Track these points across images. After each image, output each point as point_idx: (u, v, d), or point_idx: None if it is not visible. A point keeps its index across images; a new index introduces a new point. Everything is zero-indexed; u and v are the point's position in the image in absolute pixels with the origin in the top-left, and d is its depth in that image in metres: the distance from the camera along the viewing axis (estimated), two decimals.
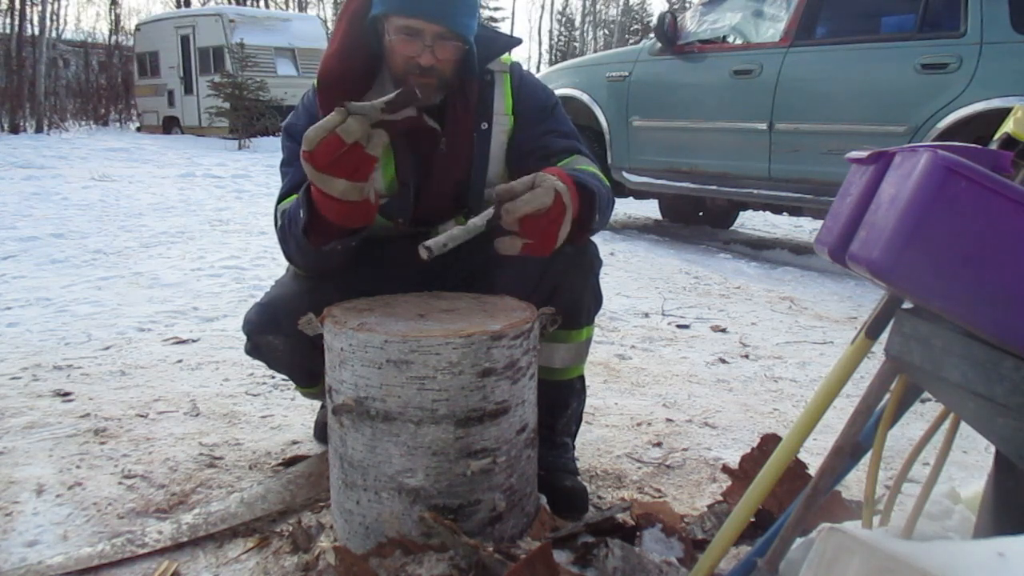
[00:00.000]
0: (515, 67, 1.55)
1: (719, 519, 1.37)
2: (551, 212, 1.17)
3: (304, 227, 1.32)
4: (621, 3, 44.38)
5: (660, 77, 5.02)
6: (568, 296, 1.46)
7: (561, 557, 1.28)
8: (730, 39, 4.78)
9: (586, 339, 1.56)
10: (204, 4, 23.23)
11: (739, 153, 4.60)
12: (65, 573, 1.28)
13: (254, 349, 1.54)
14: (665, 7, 35.22)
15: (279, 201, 1.48)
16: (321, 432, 1.84)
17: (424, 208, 1.52)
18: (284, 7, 31.34)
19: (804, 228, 6.24)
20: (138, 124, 17.42)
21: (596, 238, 1.52)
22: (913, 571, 0.60)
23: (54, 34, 19.57)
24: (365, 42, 1.42)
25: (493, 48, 1.50)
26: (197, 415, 2.02)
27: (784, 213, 5.27)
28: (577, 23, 46.28)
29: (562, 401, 1.58)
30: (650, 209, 6.74)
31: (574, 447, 1.67)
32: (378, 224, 1.54)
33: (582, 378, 1.63)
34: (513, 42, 1.54)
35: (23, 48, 15.20)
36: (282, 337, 1.46)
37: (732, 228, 6.20)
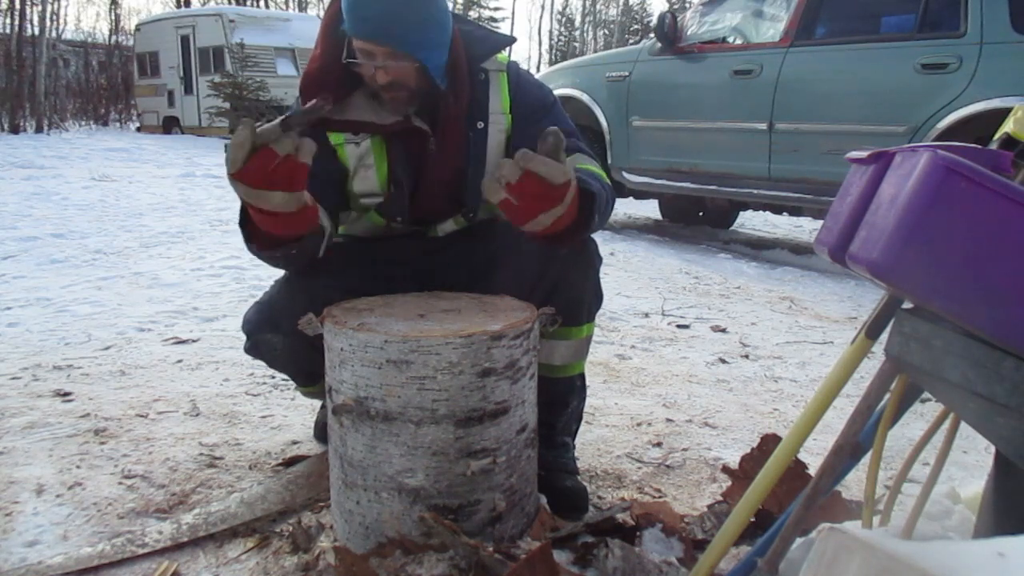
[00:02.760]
0: (512, 66, 1.55)
1: (719, 519, 1.37)
2: (552, 192, 1.13)
3: (247, 239, 1.30)
4: (621, 3, 44.38)
5: (660, 77, 5.02)
6: (569, 293, 1.46)
7: (561, 557, 1.28)
8: (730, 39, 4.78)
9: (586, 336, 1.56)
10: (204, 4, 23.22)
11: (739, 153, 4.60)
12: (65, 573, 1.28)
13: (253, 348, 1.54)
14: (665, 7, 35.21)
15: None
16: (321, 432, 1.84)
17: (421, 207, 1.53)
18: (284, 7, 31.33)
19: (804, 228, 6.24)
20: (138, 124, 17.42)
21: (596, 237, 1.52)
22: (913, 571, 0.59)
23: (54, 34, 19.52)
24: (341, 52, 1.42)
25: (485, 47, 1.49)
26: (197, 415, 2.02)
27: (784, 213, 5.27)
28: (577, 23, 46.27)
29: (562, 399, 1.58)
30: (650, 209, 6.74)
31: (574, 447, 1.67)
32: (377, 224, 1.55)
33: (582, 376, 1.63)
34: (506, 40, 1.53)
35: (23, 48, 15.17)
36: (281, 336, 1.47)
37: (732, 228, 6.20)
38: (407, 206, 1.52)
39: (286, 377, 2.27)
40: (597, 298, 1.55)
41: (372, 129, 1.45)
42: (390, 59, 1.34)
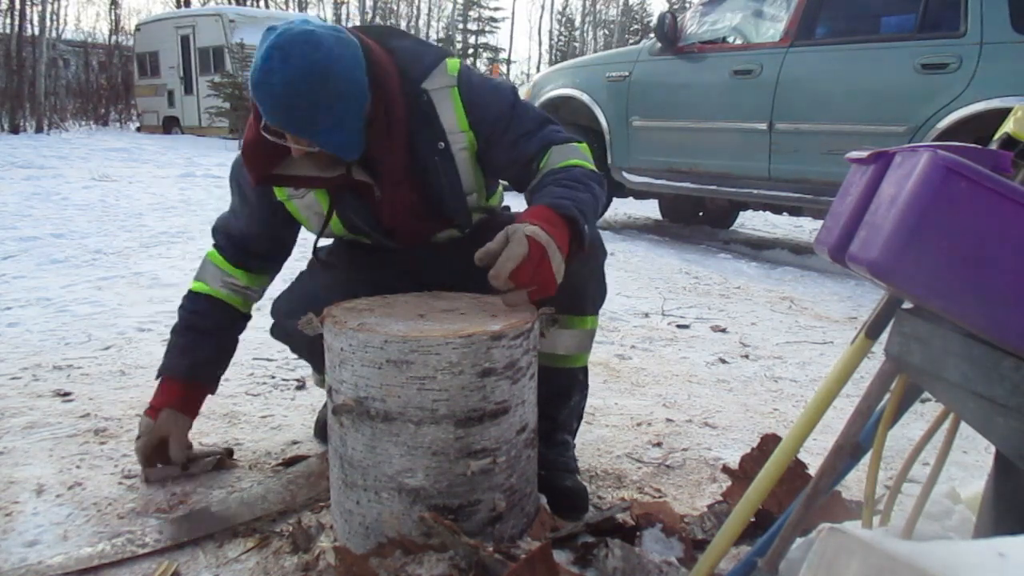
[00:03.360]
0: (463, 77, 1.49)
1: (719, 519, 1.37)
2: (532, 256, 1.22)
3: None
4: (621, 3, 44.39)
5: (660, 77, 5.02)
6: (571, 280, 1.45)
7: (561, 557, 1.28)
8: (730, 39, 4.78)
9: (590, 329, 1.56)
10: (204, 4, 23.21)
11: (739, 153, 4.60)
12: (65, 573, 1.28)
13: (283, 333, 1.61)
14: (665, 7, 35.21)
15: (214, 226, 1.68)
16: (321, 431, 1.84)
17: (408, 234, 1.57)
18: (284, 7, 31.35)
19: (804, 228, 6.25)
20: (138, 124, 17.42)
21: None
22: (913, 571, 0.59)
23: (54, 34, 19.54)
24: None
25: (420, 66, 1.46)
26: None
27: (784, 213, 5.27)
28: (577, 23, 46.29)
29: (564, 391, 1.58)
30: (650, 209, 6.74)
31: (574, 445, 1.67)
32: (382, 244, 1.60)
33: (585, 371, 1.63)
34: (442, 53, 1.51)
35: (23, 48, 15.16)
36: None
37: (732, 228, 6.20)
38: (388, 238, 1.56)
39: (286, 378, 2.28)
40: (601, 290, 1.55)
41: (318, 184, 1.48)
42: (291, 140, 1.36)
